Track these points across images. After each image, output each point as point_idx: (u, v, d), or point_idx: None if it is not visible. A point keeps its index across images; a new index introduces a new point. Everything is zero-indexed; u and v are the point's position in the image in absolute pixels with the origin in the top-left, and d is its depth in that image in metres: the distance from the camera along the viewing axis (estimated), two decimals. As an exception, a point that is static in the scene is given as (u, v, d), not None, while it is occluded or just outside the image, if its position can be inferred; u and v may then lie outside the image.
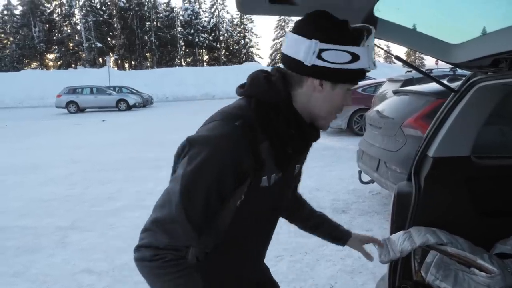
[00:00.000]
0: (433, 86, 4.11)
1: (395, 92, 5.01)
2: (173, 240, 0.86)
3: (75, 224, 4.40)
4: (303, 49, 0.89)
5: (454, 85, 3.51)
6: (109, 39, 56.30)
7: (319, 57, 0.88)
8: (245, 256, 1.09)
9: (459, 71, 6.33)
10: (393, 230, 1.86)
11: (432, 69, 8.04)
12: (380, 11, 1.62)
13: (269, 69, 1.04)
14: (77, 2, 51.83)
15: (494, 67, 1.59)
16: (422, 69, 1.95)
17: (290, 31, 0.95)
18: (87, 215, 4.67)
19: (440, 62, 2.43)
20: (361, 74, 0.93)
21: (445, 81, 4.14)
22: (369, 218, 4.28)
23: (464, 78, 1.85)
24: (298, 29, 0.92)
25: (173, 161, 0.97)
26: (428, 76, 1.85)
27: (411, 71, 8.72)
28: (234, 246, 1.03)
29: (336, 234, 1.39)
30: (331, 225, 1.38)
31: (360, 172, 4.83)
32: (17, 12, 52.76)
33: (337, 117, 1.03)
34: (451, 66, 4.51)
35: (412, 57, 58.71)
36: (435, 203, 1.84)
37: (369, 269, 3.06)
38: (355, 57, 0.89)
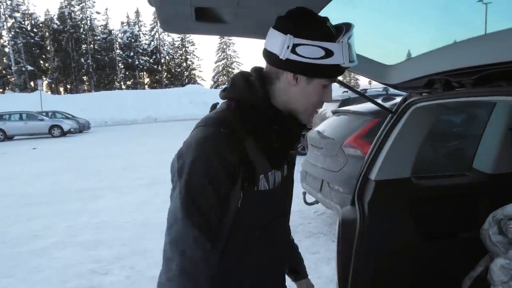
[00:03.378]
0: (370, 105, 4.21)
1: (334, 112, 5.10)
2: (189, 255, 0.85)
3: (-9, 269, 3.85)
4: (279, 43, 0.92)
5: (389, 104, 3.62)
6: (41, 62, 53.33)
7: (293, 51, 0.90)
8: (257, 267, 1.03)
9: (392, 90, 6.65)
10: (339, 259, 1.77)
11: (367, 89, 8.40)
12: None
13: (250, 70, 1.04)
14: (5, 23, 48.68)
15: (428, 88, 1.58)
16: (357, 90, 1.91)
17: (272, 26, 0.97)
18: (7, 259, 4.12)
19: (373, 81, 2.44)
20: (337, 70, 0.94)
21: (379, 101, 4.29)
22: (315, 240, 4.22)
23: (400, 99, 1.84)
24: (277, 25, 0.95)
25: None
26: (365, 97, 1.82)
27: (347, 91, 9.06)
28: (244, 255, 1.00)
29: (295, 267, 1.33)
30: (296, 257, 1.33)
31: (304, 193, 4.80)
32: None
33: (317, 112, 1.01)
34: (383, 86, 4.64)
35: (348, 78, 61.92)
36: (380, 228, 1.77)
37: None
38: (328, 53, 0.90)
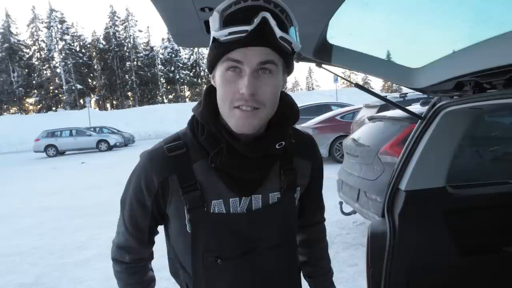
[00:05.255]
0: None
1: (370, 119, 4.94)
2: (119, 244, 1.00)
3: (40, 280, 4.04)
4: None
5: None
6: (89, 80, 56.49)
7: None
8: None
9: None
10: (369, 275, 1.67)
11: (407, 93, 8.08)
12: (334, 38, 1.51)
13: None
14: (56, 46, 52.14)
15: (458, 90, 1.47)
16: (380, 95, 1.82)
17: None
18: (54, 269, 4.32)
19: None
20: (221, 46, 0.77)
21: (418, 105, 4.09)
22: (354, 251, 4.06)
23: (430, 104, 1.73)
24: None
25: None
26: (390, 103, 1.72)
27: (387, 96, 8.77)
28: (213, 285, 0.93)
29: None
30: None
31: (341, 203, 4.66)
32: (-5, 58, 52.75)
33: (243, 110, 0.78)
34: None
35: (389, 82, 59.97)
36: (412, 242, 1.66)
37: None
38: (209, 35, 0.81)
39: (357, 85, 1.65)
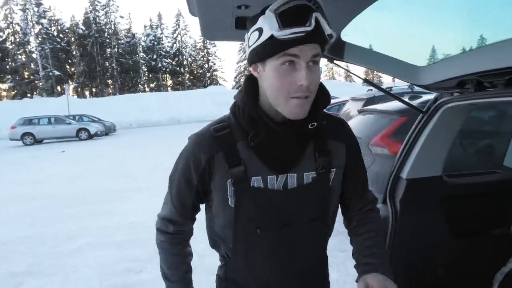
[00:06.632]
0: (396, 104, 4.20)
1: (360, 111, 5.11)
2: (165, 216, 1.11)
3: (33, 268, 4.03)
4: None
5: (416, 102, 3.60)
6: (67, 66, 54.90)
7: (249, 45, 0.92)
8: (263, 269, 1.04)
9: (417, 88, 6.57)
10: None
11: (391, 87, 8.32)
12: (347, 36, 1.62)
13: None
14: (32, 30, 50.41)
15: (460, 88, 1.61)
16: (385, 89, 1.95)
17: None
18: (47, 258, 4.32)
19: (396, 79, 2.47)
20: (276, 44, 0.85)
21: (406, 99, 4.27)
22: (344, 238, 4.21)
23: (431, 98, 1.87)
24: None
25: None
26: (395, 97, 1.85)
27: (372, 89, 8.98)
28: (242, 257, 1.05)
29: (362, 266, 1.07)
30: (367, 258, 1.08)
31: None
32: (-34, 42, 50.61)
33: (299, 99, 0.88)
34: (409, 84, 4.64)
35: (370, 76, 61.07)
36: (412, 226, 1.81)
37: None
38: (260, 31, 0.87)
39: (365, 80, 1.76)
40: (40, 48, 49.87)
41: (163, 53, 58.69)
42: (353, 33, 1.62)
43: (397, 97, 1.91)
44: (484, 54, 1.42)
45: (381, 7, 1.50)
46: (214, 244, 1.12)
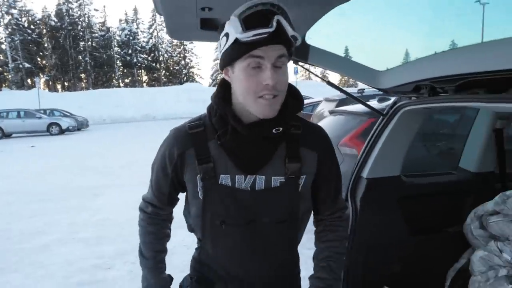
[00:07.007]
0: (365, 106, 4.32)
1: (331, 112, 5.22)
2: (146, 198, 1.20)
3: (-3, 265, 3.95)
4: None
5: (385, 104, 3.72)
6: (39, 59, 53.15)
7: (220, 51, 0.97)
8: (230, 260, 1.10)
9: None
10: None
11: (364, 89, 8.51)
12: (312, 39, 1.68)
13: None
14: (1, 20, 48.52)
15: (416, 92, 1.70)
16: (348, 92, 2.02)
17: None
18: (12, 254, 4.22)
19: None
20: (241, 47, 0.89)
21: (376, 101, 4.40)
22: (311, 236, 4.32)
23: (391, 102, 1.96)
24: None
25: None
26: (357, 100, 1.93)
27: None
28: (209, 246, 1.11)
29: (314, 280, 1.15)
30: (321, 272, 1.14)
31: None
32: None
33: (266, 98, 0.91)
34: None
35: (346, 77, 61.77)
36: (371, 223, 1.89)
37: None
38: (227, 36, 0.92)
39: (328, 83, 1.83)
40: (9, 39, 48.09)
41: (139, 48, 57.73)
42: (317, 37, 1.68)
43: (360, 100, 1.98)
44: (437, 60, 1.51)
45: (343, 12, 1.57)
46: (190, 229, 1.18)
